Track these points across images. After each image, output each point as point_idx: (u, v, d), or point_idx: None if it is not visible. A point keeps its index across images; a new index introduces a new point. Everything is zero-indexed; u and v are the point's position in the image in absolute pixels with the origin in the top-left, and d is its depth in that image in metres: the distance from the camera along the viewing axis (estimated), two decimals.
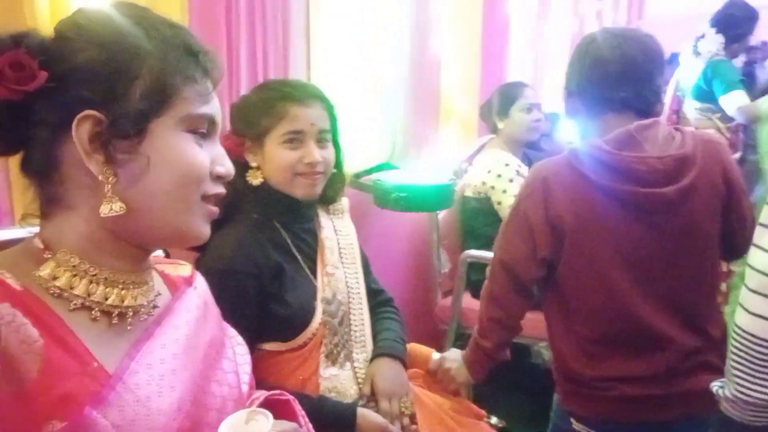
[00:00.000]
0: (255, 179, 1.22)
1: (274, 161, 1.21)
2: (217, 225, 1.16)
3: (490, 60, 2.93)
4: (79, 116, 0.62)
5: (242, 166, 1.22)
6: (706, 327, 1.27)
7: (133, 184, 0.65)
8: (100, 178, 0.64)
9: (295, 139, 1.21)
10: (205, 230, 0.72)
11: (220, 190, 0.72)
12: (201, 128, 0.69)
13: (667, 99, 3.41)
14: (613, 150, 1.20)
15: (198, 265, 0.90)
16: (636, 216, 1.20)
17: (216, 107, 0.72)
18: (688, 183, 1.18)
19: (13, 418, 0.56)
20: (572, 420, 1.33)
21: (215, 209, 0.72)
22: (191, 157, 0.67)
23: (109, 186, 0.64)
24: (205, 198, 0.70)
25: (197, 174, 0.68)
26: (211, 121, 0.71)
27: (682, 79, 3.32)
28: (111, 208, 0.64)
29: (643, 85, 1.24)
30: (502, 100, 2.36)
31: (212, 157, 0.70)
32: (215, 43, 1.43)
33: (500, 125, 2.36)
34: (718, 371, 1.21)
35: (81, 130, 0.62)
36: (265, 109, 1.22)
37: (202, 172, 0.68)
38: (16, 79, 0.60)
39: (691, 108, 3.21)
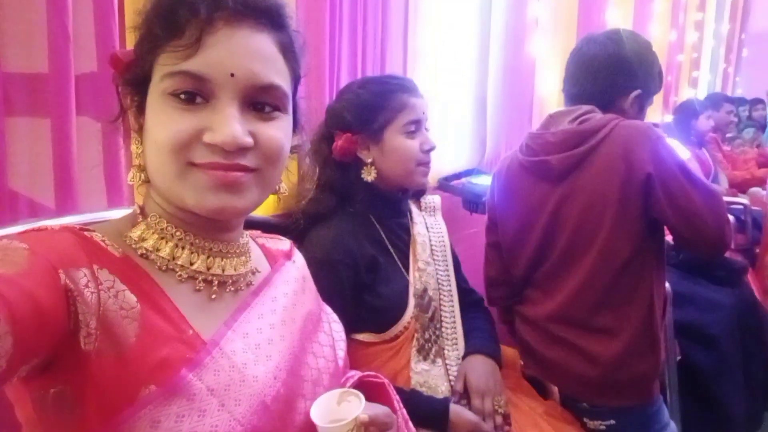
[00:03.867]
0: (369, 175, 1.24)
1: (398, 152, 1.23)
2: (322, 219, 1.22)
3: None
4: None
5: (350, 165, 1.25)
6: (600, 309, 1.30)
7: (146, 154, 0.65)
8: (132, 148, 0.67)
9: (415, 128, 1.24)
10: (209, 200, 0.62)
11: (215, 158, 0.61)
12: (181, 89, 0.61)
13: None
14: (534, 130, 1.44)
15: None
16: (535, 181, 1.39)
17: (213, 59, 0.60)
18: (574, 153, 1.31)
19: (114, 381, 0.56)
20: None
21: (233, 175, 0.62)
22: (160, 125, 0.61)
23: (138, 155, 0.66)
24: (199, 165, 0.61)
25: (163, 143, 0.60)
26: (197, 79, 0.60)
27: None
28: (140, 176, 0.67)
29: (593, 81, 1.37)
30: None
31: (205, 124, 0.61)
32: (319, 43, 1.48)
33: None
34: (592, 363, 1.29)
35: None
36: (382, 102, 1.23)
37: (175, 141, 0.60)
38: None
39: None
